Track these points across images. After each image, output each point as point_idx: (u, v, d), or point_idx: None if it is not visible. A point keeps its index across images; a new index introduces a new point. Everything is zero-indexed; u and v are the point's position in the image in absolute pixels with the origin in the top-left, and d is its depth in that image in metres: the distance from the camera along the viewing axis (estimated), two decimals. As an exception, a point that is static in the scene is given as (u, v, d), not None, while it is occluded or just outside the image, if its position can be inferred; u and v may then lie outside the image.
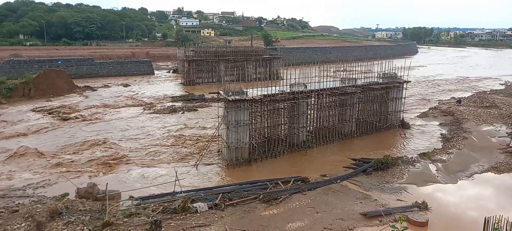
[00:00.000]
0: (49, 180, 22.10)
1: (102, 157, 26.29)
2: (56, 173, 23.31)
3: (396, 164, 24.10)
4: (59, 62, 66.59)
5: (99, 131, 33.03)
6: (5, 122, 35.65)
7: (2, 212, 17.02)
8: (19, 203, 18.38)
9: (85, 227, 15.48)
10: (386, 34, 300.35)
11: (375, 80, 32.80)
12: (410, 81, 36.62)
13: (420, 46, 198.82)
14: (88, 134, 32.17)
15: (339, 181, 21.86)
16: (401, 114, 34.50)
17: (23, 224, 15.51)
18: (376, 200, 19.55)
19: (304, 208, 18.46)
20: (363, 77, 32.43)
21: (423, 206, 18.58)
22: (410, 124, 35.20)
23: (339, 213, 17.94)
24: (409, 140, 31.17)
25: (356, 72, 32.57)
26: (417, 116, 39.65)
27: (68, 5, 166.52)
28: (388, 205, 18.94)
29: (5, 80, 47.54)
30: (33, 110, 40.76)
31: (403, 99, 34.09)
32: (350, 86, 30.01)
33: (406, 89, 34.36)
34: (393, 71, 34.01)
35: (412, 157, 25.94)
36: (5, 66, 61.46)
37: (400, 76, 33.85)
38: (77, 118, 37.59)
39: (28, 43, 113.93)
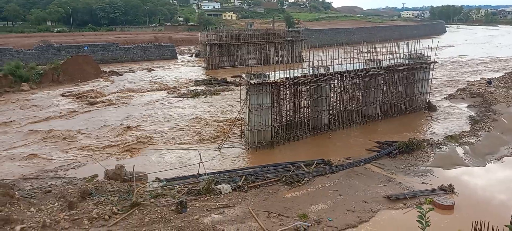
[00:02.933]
0: (79, 162, 22.98)
1: (129, 139, 27.02)
2: (85, 155, 24.18)
3: (421, 147, 23.67)
4: (86, 47, 68.20)
5: (125, 115, 33.87)
6: (36, 107, 37.06)
7: (36, 192, 17.89)
8: (51, 184, 19.24)
9: (114, 207, 16.09)
10: (413, 13, 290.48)
11: (401, 61, 32.00)
12: (437, 62, 35.54)
13: (448, 25, 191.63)
14: (115, 117, 33.05)
15: (362, 163, 21.71)
16: (428, 96, 33.63)
17: (56, 204, 16.28)
18: (400, 183, 19.34)
19: (326, 190, 18.49)
20: (388, 58, 31.69)
21: (449, 190, 18.24)
22: (436, 106, 34.33)
23: (362, 195, 17.87)
24: (436, 122, 30.44)
25: (381, 53, 31.83)
26: (445, 98, 38.58)
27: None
28: (413, 188, 18.71)
29: (35, 66, 49.21)
30: (62, 95, 42.12)
31: (429, 81, 33.18)
32: (374, 68, 29.43)
33: (433, 70, 33.38)
34: (420, 52, 33.05)
35: (438, 140, 25.39)
36: (34, 52, 63.52)
37: (427, 57, 32.87)
38: (104, 102, 38.63)
39: (55, 30, 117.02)
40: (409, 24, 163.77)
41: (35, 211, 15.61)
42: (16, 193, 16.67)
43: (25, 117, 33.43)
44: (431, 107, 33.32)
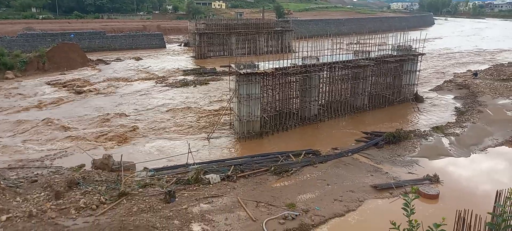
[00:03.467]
0: (66, 152, 22.71)
1: (116, 129, 26.77)
2: (72, 144, 23.89)
3: (408, 138, 24.00)
4: (72, 35, 66.98)
5: (112, 104, 33.49)
6: (21, 95, 36.38)
7: (22, 182, 17.62)
8: (37, 174, 18.97)
9: (101, 197, 15.98)
10: (402, 5, 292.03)
11: (389, 53, 32.23)
12: (425, 54, 35.90)
13: (437, 18, 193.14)
14: (102, 107, 32.66)
15: (350, 154, 21.92)
16: (415, 88, 34.01)
17: (42, 194, 16.10)
18: (387, 173, 19.62)
19: (315, 180, 18.66)
20: (377, 50, 31.88)
21: (434, 179, 18.58)
22: (424, 97, 34.75)
23: (350, 185, 18.09)
24: (422, 113, 30.85)
25: (370, 45, 32.01)
26: (432, 89, 39.06)
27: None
28: (399, 178, 19.01)
29: (19, 53, 48.14)
30: (47, 83, 41.40)
31: (417, 73, 33.51)
32: (363, 59, 29.58)
33: (420, 62, 33.72)
34: (408, 43, 33.31)
35: (424, 131, 25.77)
36: (19, 40, 62.12)
37: (415, 48, 33.16)
38: (91, 91, 38.10)
39: (40, 17, 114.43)
40: (398, 15, 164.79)
41: (21, 200, 15.41)
42: (1, 182, 16.41)
43: (10, 105, 32.80)
44: (418, 99, 33.74)
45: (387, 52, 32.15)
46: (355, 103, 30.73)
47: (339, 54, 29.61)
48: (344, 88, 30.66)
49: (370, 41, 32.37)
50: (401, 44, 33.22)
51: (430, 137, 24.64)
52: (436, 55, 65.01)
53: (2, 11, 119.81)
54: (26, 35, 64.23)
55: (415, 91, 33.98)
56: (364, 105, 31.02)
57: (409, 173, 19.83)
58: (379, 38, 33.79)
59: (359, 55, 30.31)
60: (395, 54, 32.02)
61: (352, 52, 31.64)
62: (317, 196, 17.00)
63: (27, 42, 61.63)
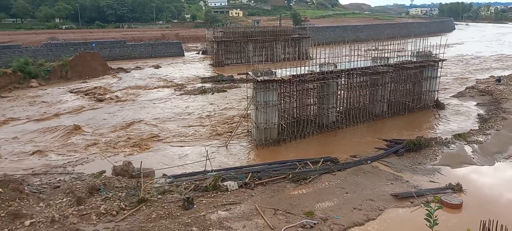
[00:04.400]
0: (87, 158, 23.18)
1: (136, 136, 27.18)
2: (93, 151, 24.37)
3: (429, 145, 23.52)
4: (93, 44, 68.62)
5: (132, 112, 34.07)
6: (44, 103, 37.42)
7: (45, 188, 18.10)
8: (60, 180, 19.44)
9: (121, 203, 16.23)
10: (421, 10, 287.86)
11: (409, 59, 31.77)
12: (446, 60, 35.23)
13: (457, 23, 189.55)
14: (122, 114, 33.26)
15: (369, 162, 21.62)
16: (436, 94, 33.36)
17: (64, 199, 16.48)
18: (407, 181, 19.25)
19: (333, 188, 18.46)
20: (395, 56, 31.48)
21: (457, 188, 18.12)
22: (445, 104, 34.05)
23: (369, 193, 17.82)
24: (444, 120, 30.20)
25: (389, 51, 31.63)
26: (453, 96, 38.25)
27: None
28: (420, 186, 18.61)
29: (43, 63, 49.66)
30: (70, 91, 42.47)
31: (438, 79, 32.89)
32: (382, 65, 29.25)
33: (441, 68, 33.10)
34: (428, 49, 32.77)
35: (446, 138, 25.20)
36: (43, 49, 64.05)
37: (435, 54, 32.58)
38: (112, 99, 38.88)
39: (63, 27, 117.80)
40: (417, 21, 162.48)
41: (44, 206, 15.81)
42: (26, 188, 16.87)
43: (34, 113, 33.77)
44: (439, 106, 33.06)
45: (406, 59, 31.69)
46: (374, 111, 30.34)
47: (357, 61, 29.36)
48: (363, 95, 30.33)
49: (389, 48, 32.01)
50: (420, 50, 32.70)
51: (452, 145, 24.08)
52: (457, 61, 63.68)
53: (27, 22, 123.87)
54: (50, 45, 66.19)
55: (435, 98, 33.32)
56: (383, 112, 30.59)
57: (431, 181, 19.40)
58: (398, 44, 33.36)
59: (378, 61, 29.98)
60: (414, 60, 31.53)
61: (370, 58, 31.31)
62: (336, 204, 16.81)
63: (51, 51, 63.44)
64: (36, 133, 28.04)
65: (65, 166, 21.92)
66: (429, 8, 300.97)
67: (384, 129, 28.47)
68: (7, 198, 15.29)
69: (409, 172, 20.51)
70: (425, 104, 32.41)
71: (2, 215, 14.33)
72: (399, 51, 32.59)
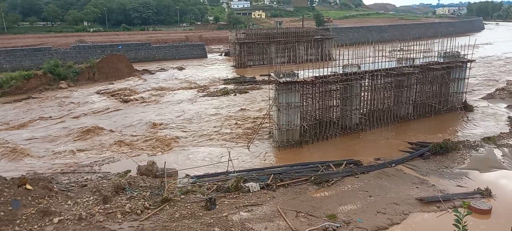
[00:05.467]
0: (113, 158, 23.77)
1: (160, 136, 27.65)
2: (119, 151, 24.97)
3: (456, 148, 22.84)
4: (120, 47, 70.34)
5: (157, 112, 34.69)
6: (73, 104, 38.64)
7: (73, 186, 18.68)
8: (87, 178, 20.03)
9: (146, 202, 16.54)
10: (448, 10, 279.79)
11: (435, 60, 30.97)
12: (475, 61, 34.13)
13: (486, 22, 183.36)
14: (147, 115, 33.92)
15: (394, 165, 21.20)
16: (464, 96, 32.37)
17: (91, 198, 16.94)
18: (433, 185, 18.74)
19: (356, 191, 18.20)
20: (421, 56, 30.75)
21: (486, 193, 17.50)
22: (473, 106, 32.98)
23: (394, 197, 17.46)
24: (472, 123, 29.26)
25: (414, 51, 30.92)
26: (482, 98, 37.01)
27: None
28: (447, 191, 18.09)
29: (72, 64, 51.35)
30: (97, 92, 43.68)
31: (466, 80, 31.91)
32: (407, 66, 28.64)
33: (469, 69, 32.10)
34: (456, 50, 31.85)
35: (474, 141, 24.40)
36: (72, 51, 66.16)
37: (463, 55, 31.62)
38: (137, 100, 39.72)
39: (91, 30, 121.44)
40: (445, 21, 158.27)
41: (72, 204, 16.30)
42: (55, 186, 17.45)
43: (63, 113, 34.91)
44: (467, 108, 32.05)
45: (433, 59, 30.91)
46: (399, 112, 29.74)
47: (382, 62, 28.87)
48: (387, 96, 29.78)
49: (415, 48, 31.31)
50: (448, 50, 31.83)
51: (481, 148, 23.30)
52: (487, 62, 61.57)
53: (57, 25, 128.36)
54: (78, 47, 68.28)
55: (463, 100, 32.34)
56: (408, 114, 29.94)
57: (458, 186, 18.83)
58: (424, 44, 32.59)
59: (403, 62, 29.37)
60: (441, 61, 30.71)
61: (395, 59, 30.72)
62: (359, 208, 16.56)
63: (79, 54, 65.44)
64: (64, 132, 28.97)
65: (92, 165, 22.56)
66: (456, 7, 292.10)
67: (409, 131, 27.85)
68: (37, 195, 15.86)
69: (435, 175, 19.97)
70: (452, 107, 31.50)
71: (32, 212, 14.86)
72: (425, 51, 31.82)
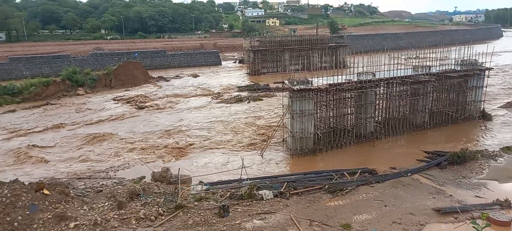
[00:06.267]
0: (128, 164, 24.04)
1: (174, 143, 27.88)
2: (133, 157, 25.24)
3: (474, 158, 22.36)
4: (136, 54, 71.47)
5: (171, 119, 35.01)
6: (89, 110, 39.34)
7: (88, 191, 18.96)
8: (103, 184, 20.30)
9: (160, 208, 16.65)
10: (466, 17, 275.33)
11: (452, 67, 30.48)
12: (493, 69, 33.48)
13: (505, 30, 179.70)
14: (162, 121, 34.27)
15: (410, 174, 20.86)
16: (482, 105, 31.73)
17: (106, 203, 17.14)
18: (451, 195, 18.36)
19: (371, 200, 17.96)
20: (438, 64, 30.33)
21: (505, 204, 17.04)
22: (492, 115, 32.28)
23: (410, 207, 17.16)
24: (491, 132, 28.62)
25: (430, 59, 30.51)
26: (501, 106, 36.19)
27: (143, 1, 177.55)
28: (465, 201, 17.69)
29: (90, 72, 52.43)
30: (113, 99, 44.39)
31: (484, 88, 31.29)
32: (423, 74, 28.28)
33: (487, 77, 31.48)
34: (473, 57, 31.30)
35: (493, 151, 23.87)
36: (89, 59, 67.56)
37: (481, 63, 31.04)
38: (152, 107, 40.20)
39: (108, 37, 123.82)
40: (462, 28, 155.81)
41: (87, 209, 16.53)
42: (71, 191, 17.73)
43: (80, 119, 35.55)
44: (485, 116, 31.39)
45: (449, 67, 30.44)
46: (415, 121, 29.31)
47: (397, 70, 28.57)
48: (403, 105, 29.41)
49: (431, 56, 30.91)
50: (465, 58, 31.30)
51: (500, 158, 22.76)
52: (505, 70, 60.27)
53: (76, 33, 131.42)
54: (96, 55, 69.67)
55: (481, 109, 31.69)
56: (424, 123, 29.49)
57: (476, 196, 18.39)
58: (440, 52, 32.13)
59: (419, 70, 29.01)
60: (458, 69, 30.21)
61: (411, 67, 30.37)
62: (373, 217, 16.32)
63: (97, 61, 66.74)
64: (81, 138, 29.47)
65: (107, 171, 22.86)
66: (474, 15, 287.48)
67: (425, 140, 27.40)
68: (54, 200, 16.13)
69: (453, 186, 19.57)
70: (470, 115, 30.89)
71: (49, 216, 15.11)
72: (442, 59, 31.39)
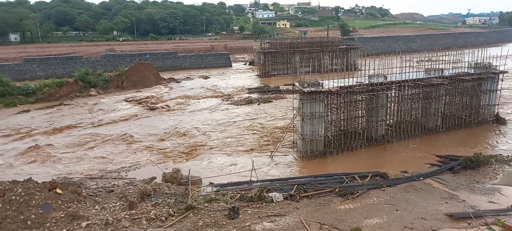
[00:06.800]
0: (139, 164, 24.23)
1: (185, 144, 28.02)
2: (144, 157, 25.44)
3: (488, 163, 21.98)
4: (147, 55, 72.09)
5: (182, 120, 35.21)
6: (101, 111, 39.78)
7: (100, 191, 19.16)
8: (114, 184, 20.49)
9: (170, 209, 16.74)
10: (479, 19, 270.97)
11: (465, 70, 30.07)
12: (507, 72, 32.88)
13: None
14: (172, 122, 34.48)
15: (421, 178, 20.61)
16: (496, 108, 31.21)
17: (118, 203, 17.31)
18: (464, 201, 18.08)
19: (382, 204, 17.79)
20: (451, 67, 29.95)
21: (520, 211, 16.73)
22: (506, 119, 31.72)
23: (422, 212, 16.96)
24: (505, 136, 28.13)
25: (443, 62, 30.15)
26: (516, 110, 35.54)
27: (155, 2, 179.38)
28: (478, 207, 17.41)
29: (102, 73, 53.04)
30: (125, 100, 44.83)
31: (498, 92, 30.79)
32: (435, 77, 27.95)
33: (502, 80, 30.97)
34: (487, 60, 30.83)
35: (508, 156, 23.43)
36: (102, 60, 68.36)
37: (495, 66, 30.55)
38: (163, 108, 40.48)
39: (120, 39, 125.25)
40: (475, 31, 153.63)
41: (99, 209, 16.71)
42: (83, 191, 17.94)
43: (92, 120, 35.98)
44: (499, 121, 30.87)
45: (462, 70, 30.03)
46: (427, 124, 28.98)
47: (409, 72, 28.30)
48: (415, 108, 29.10)
49: (443, 58, 30.54)
50: (478, 61, 30.86)
51: (515, 163, 22.33)
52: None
53: (89, 34, 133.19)
54: (108, 56, 70.48)
55: (496, 112, 31.17)
56: (437, 126, 29.12)
57: (490, 202, 18.08)
58: (453, 55, 31.73)
59: (431, 73, 28.68)
60: (472, 72, 29.80)
61: (423, 70, 30.05)
62: (384, 222, 16.17)
63: (109, 62, 67.53)
64: (92, 138, 29.82)
65: (119, 171, 23.07)
66: (488, 17, 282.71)
67: (438, 144, 27.05)
68: (67, 200, 16.35)
69: (466, 191, 19.27)
70: (483, 119, 30.42)
71: (61, 215, 15.31)
72: (454, 62, 30.98)
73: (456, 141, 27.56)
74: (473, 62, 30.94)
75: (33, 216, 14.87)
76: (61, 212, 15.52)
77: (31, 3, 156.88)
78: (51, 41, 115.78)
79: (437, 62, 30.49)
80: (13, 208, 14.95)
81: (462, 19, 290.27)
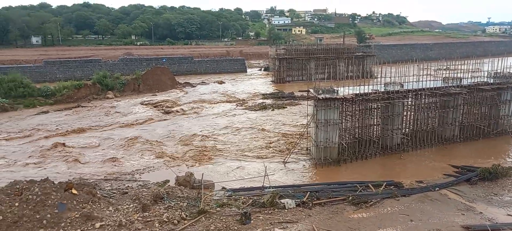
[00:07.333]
0: (153, 167, 24.47)
1: (199, 148, 28.18)
2: (158, 161, 25.69)
3: (507, 175, 21.42)
4: (164, 60, 73.01)
5: (196, 125, 35.45)
6: (118, 113, 40.40)
7: (114, 193, 19.39)
8: (128, 186, 20.73)
9: (182, 213, 16.83)
10: (500, 28, 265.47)
11: (485, 80, 29.46)
12: (529, 82, 32.08)
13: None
14: (187, 126, 34.75)
15: (437, 188, 20.21)
16: (516, 119, 30.44)
17: (131, 205, 17.48)
18: (481, 213, 17.64)
19: (396, 214, 17.50)
20: (469, 76, 29.39)
21: (540, 225, 16.22)
22: (527, 130, 30.90)
23: (437, 223, 16.61)
24: (525, 148, 27.39)
25: (462, 71, 29.63)
26: (537, 122, 34.55)
27: (172, 8, 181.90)
28: (496, 219, 16.95)
29: (119, 76, 53.99)
30: (141, 103, 45.43)
31: (518, 102, 30.04)
32: (453, 86, 27.46)
33: (523, 91, 30.19)
34: (507, 70, 30.14)
35: (528, 168, 22.77)
36: (119, 64, 69.57)
37: (516, 76, 29.84)
38: (178, 112, 40.85)
39: (138, 43, 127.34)
40: (495, 40, 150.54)
41: (113, 210, 16.91)
42: (98, 192, 18.20)
43: (108, 122, 36.56)
44: (520, 132, 30.09)
45: (482, 80, 29.43)
46: (444, 134, 28.45)
47: (426, 81, 27.89)
48: (432, 117, 28.61)
49: (462, 67, 30.01)
50: (498, 71, 30.19)
51: (535, 176, 21.67)
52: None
53: (107, 38, 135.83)
54: (126, 60, 71.69)
55: (516, 123, 30.40)
56: (454, 136, 28.56)
57: (508, 215, 17.59)
58: (472, 64, 31.15)
59: (449, 82, 28.19)
60: (491, 81, 29.16)
61: (441, 79, 29.56)
62: (398, 232, 15.89)
63: (126, 66, 68.63)
64: (108, 140, 30.28)
65: (133, 173, 23.35)
66: (508, 26, 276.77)
67: (455, 154, 26.51)
68: (82, 200, 16.61)
69: (483, 202, 18.81)
70: (503, 130, 29.72)
71: (76, 216, 15.56)
72: (473, 71, 30.40)
73: (473, 152, 26.98)
74: (492, 72, 30.31)
75: (49, 215, 15.15)
76: (76, 212, 15.77)
77: (53, 7, 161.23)
78: (71, 45, 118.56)
79: (456, 71, 29.98)
80: (30, 207, 15.27)
81: (482, 27, 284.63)
